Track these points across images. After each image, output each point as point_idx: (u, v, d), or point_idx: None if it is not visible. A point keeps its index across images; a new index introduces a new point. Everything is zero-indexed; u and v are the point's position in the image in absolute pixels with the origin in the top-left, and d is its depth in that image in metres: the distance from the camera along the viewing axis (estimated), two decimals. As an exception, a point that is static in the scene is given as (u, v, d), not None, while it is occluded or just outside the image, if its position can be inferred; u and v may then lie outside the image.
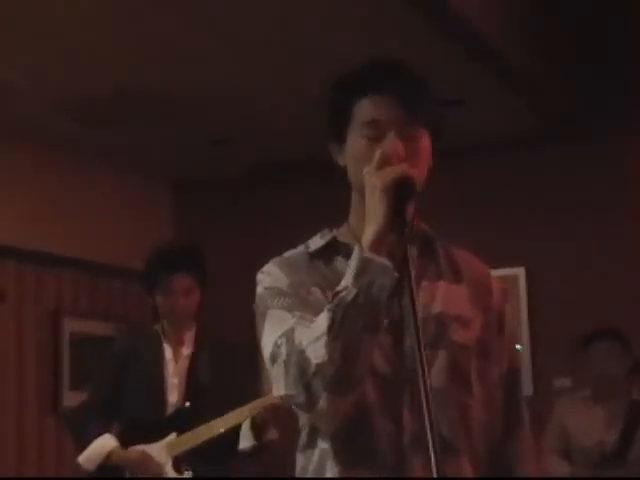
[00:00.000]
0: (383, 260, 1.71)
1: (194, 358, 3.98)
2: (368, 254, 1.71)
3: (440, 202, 5.53)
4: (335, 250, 1.94)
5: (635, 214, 5.66)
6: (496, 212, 6.02)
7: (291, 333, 1.76)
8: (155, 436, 3.85)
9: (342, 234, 1.97)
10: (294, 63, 4.97)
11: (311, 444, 1.88)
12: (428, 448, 1.55)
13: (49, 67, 4.98)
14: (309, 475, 1.88)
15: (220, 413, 3.72)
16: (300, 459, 1.91)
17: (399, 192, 1.73)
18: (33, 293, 6.01)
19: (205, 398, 3.88)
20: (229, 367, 3.97)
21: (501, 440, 1.95)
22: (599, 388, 4.73)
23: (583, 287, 5.68)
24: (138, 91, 5.27)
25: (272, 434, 3.65)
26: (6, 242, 5.76)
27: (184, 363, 3.97)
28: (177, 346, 4.00)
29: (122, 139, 6.08)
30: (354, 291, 1.70)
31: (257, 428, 3.59)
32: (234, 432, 3.68)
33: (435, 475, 1.52)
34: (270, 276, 1.91)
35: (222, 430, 3.69)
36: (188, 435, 3.80)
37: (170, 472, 3.82)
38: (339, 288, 1.73)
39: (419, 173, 1.83)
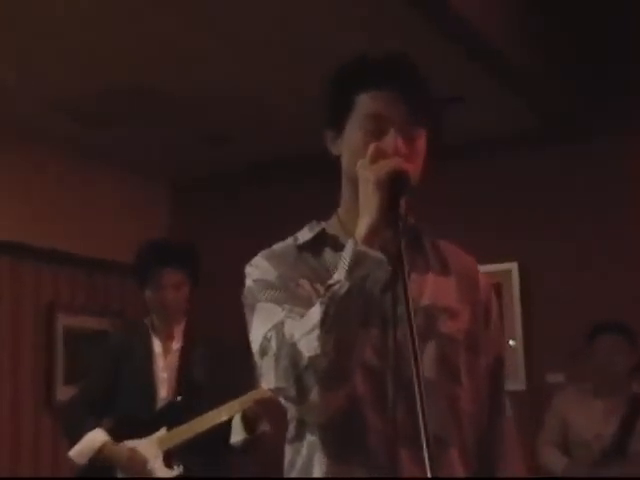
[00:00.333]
0: (377, 253, 1.70)
1: (184, 352, 3.98)
2: (362, 247, 1.70)
3: (440, 202, 5.56)
4: (323, 242, 1.94)
5: (635, 214, 5.66)
6: (496, 212, 6.02)
7: (281, 326, 1.75)
8: (146, 431, 3.85)
9: (331, 226, 1.96)
10: (294, 63, 4.97)
11: (299, 437, 1.88)
12: (417, 440, 1.54)
13: (49, 67, 4.97)
14: (297, 467, 1.88)
15: (212, 409, 3.71)
16: (289, 451, 1.91)
17: (393, 186, 1.72)
18: (28, 288, 6.01)
19: (196, 393, 3.87)
20: (229, 367, 3.96)
21: (485, 428, 1.95)
22: (601, 382, 4.70)
23: (583, 286, 5.68)
24: (138, 91, 5.28)
25: (264, 426, 3.65)
26: (5, 238, 5.77)
27: (174, 357, 3.98)
28: (167, 340, 4.01)
29: (122, 139, 6.08)
30: (347, 284, 1.68)
31: (248, 422, 3.57)
32: (226, 426, 3.66)
33: (428, 469, 1.51)
34: (258, 269, 1.91)
35: (213, 424, 3.68)
36: (179, 429, 3.80)
37: (160, 467, 3.81)
38: (332, 281, 1.71)
39: (414, 168, 1.82)
